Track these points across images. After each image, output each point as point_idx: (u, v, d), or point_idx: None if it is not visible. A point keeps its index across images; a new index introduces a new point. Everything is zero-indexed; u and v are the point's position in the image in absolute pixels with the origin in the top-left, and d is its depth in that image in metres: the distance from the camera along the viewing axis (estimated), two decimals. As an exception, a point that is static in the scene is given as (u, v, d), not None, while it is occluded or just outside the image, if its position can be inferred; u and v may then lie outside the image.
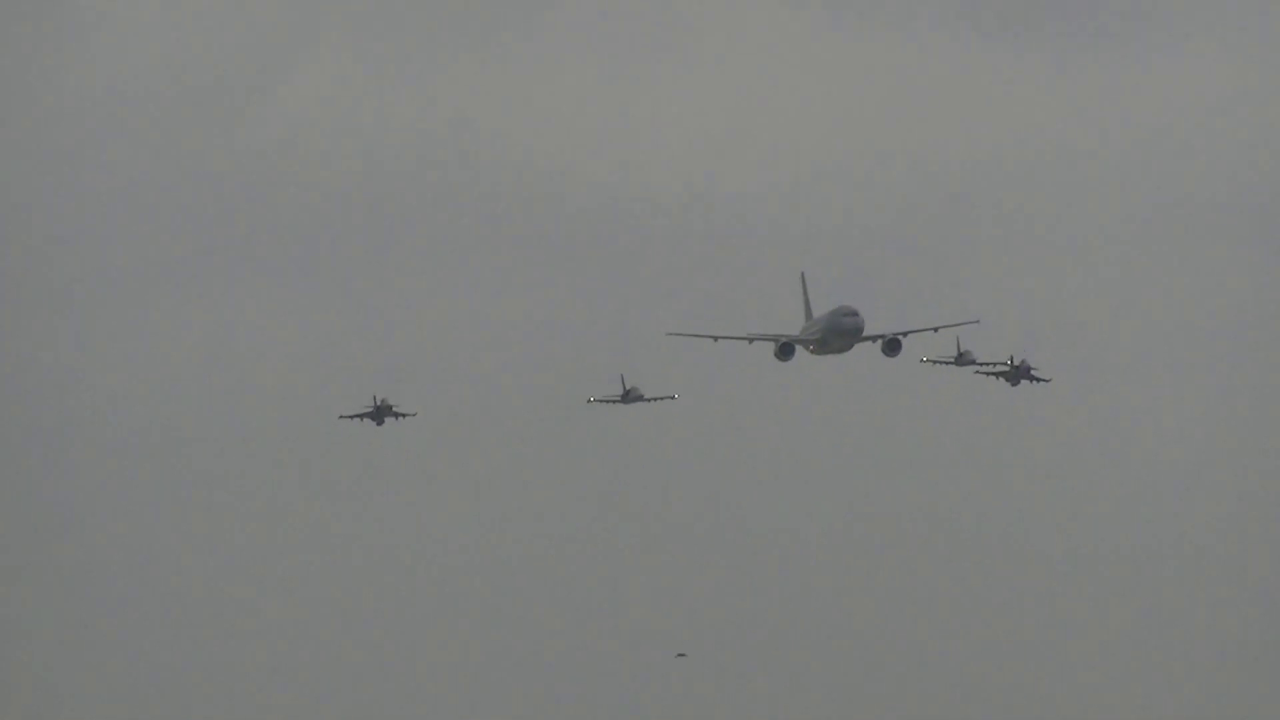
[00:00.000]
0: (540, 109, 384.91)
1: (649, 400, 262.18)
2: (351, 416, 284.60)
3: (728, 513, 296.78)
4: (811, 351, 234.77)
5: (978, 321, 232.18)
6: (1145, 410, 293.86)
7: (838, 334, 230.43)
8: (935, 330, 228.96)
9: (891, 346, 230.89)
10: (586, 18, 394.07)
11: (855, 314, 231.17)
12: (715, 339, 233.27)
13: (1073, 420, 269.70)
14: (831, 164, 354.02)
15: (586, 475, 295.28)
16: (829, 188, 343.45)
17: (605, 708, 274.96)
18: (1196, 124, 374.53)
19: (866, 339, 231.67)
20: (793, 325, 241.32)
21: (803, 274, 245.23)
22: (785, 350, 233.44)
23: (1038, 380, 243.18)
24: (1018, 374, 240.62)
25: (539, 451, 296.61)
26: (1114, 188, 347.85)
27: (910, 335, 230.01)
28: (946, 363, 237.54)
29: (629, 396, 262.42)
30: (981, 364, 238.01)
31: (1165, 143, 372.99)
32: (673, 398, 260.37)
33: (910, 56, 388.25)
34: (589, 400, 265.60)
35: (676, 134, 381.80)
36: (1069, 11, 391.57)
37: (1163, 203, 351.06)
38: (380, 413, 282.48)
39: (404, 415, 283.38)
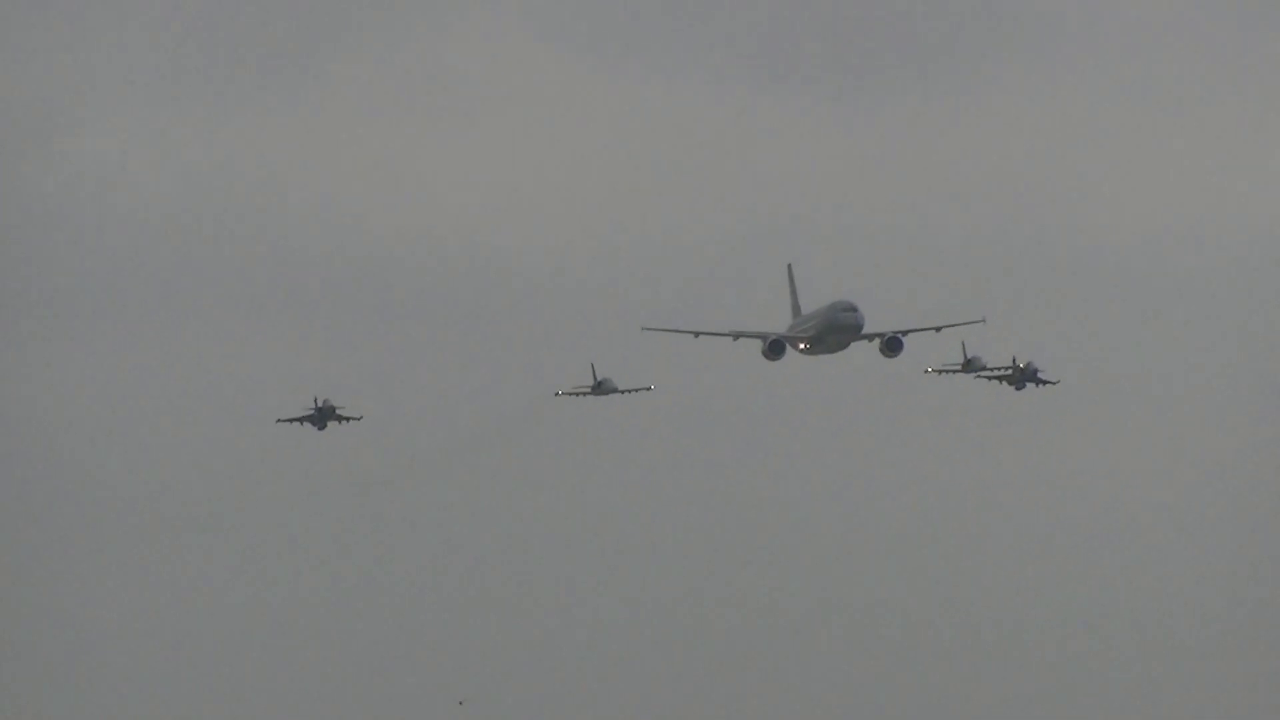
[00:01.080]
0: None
1: (623, 392, 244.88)
2: (291, 420, 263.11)
3: (703, 513, 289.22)
4: (803, 350, 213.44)
5: (983, 320, 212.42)
6: (1155, 413, 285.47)
7: (834, 330, 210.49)
8: (938, 330, 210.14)
9: (892, 346, 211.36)
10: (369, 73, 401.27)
11: (854, 309, 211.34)
12: (696, 335, 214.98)
13: (1080, 425, 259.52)
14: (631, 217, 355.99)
15: (555, 472, 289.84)
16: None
17: (574, 702, 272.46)
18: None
19: (864, 337, 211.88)
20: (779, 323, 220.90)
21: (789, 266, 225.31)
22: (775, 348, 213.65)
23: (1044, 383, 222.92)
24: (1023, 377, 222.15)
25: (501, 449, 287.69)
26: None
27: (912, 336, 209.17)
28: (953, 370, 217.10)
29: (601, 388, 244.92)
30: (991, 369, 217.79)
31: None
32: (649, 389, 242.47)
33: (693, 107, 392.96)
34: (557, 393, 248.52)
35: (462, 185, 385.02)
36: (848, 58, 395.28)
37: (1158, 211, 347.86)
38: (323, 415, 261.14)
39: (349, 419, 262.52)
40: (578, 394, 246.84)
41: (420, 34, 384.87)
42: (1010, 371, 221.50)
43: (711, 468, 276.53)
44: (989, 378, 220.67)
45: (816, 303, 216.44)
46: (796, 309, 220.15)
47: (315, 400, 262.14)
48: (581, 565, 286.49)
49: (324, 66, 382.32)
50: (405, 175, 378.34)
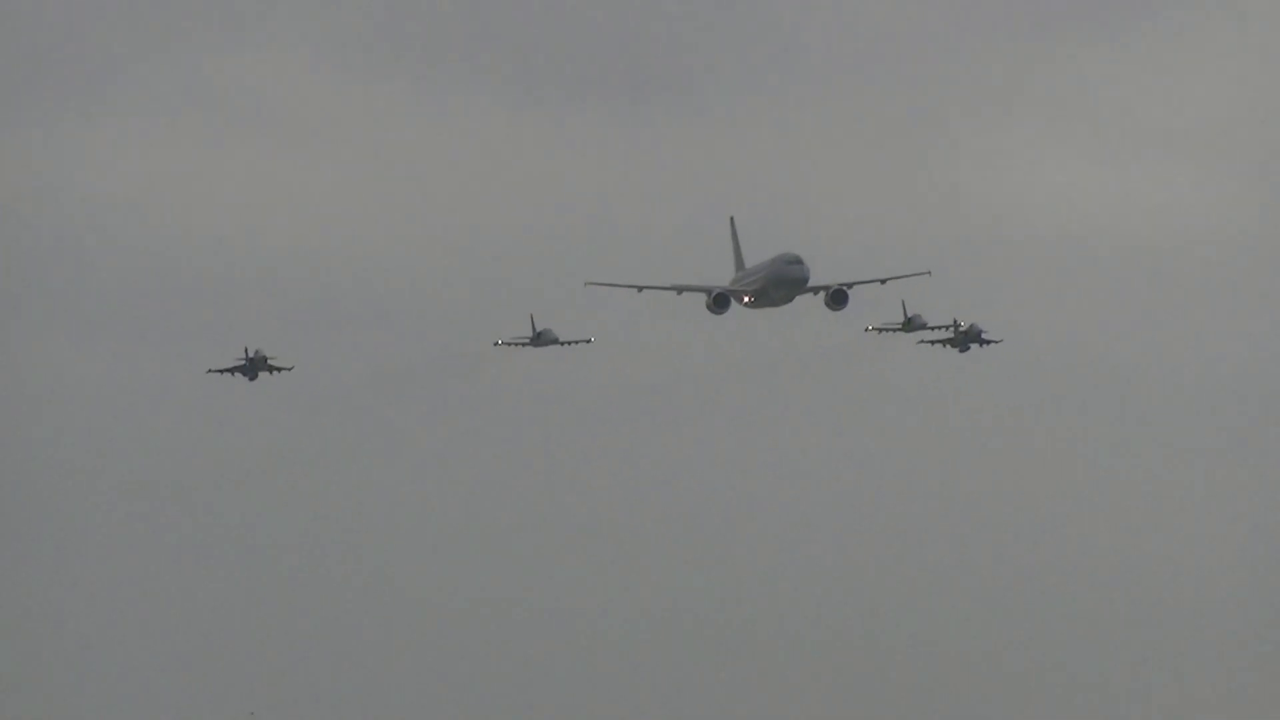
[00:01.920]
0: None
1: (563, 344, 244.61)
2: (222, 371, 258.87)
3: (638, 466, 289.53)
4: (747, 304, 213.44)
5: (929, 273, 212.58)
6: (1104, 376, 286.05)
7: (780, 284, 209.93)
8: (883, 282, 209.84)
9: (837, 299, 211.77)
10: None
11: (799, 261, 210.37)
12: (639, 289, 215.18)
13: (1025, 386, 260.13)
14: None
15: (493, 423, 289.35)
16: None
17: (506, 671, 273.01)
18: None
19: (810, 290, 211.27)
20: (723, 276, 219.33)
21: (731, 219, 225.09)
22: (720, 301, 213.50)
23: (988, 343, 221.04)
24: (966, 339, 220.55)
25: (438, 399, 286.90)
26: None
27: (857, 288, 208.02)
28: (893, 329, 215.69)
29: (540, 339, 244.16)
30: (932, 327, 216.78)
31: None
32: (589, 341, 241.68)
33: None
34: (496, 343, 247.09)
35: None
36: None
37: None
38: (254, 366, 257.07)
39: (281, 369, 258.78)
40: (516, 344, 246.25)
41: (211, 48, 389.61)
42: (953, 334, 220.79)
43: (646, 420, 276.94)
44: (931, 341, 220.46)
45: (760, 256, 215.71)
46: (740, 263, 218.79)
47: (246, 351, 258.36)
48: (517, 516, 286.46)
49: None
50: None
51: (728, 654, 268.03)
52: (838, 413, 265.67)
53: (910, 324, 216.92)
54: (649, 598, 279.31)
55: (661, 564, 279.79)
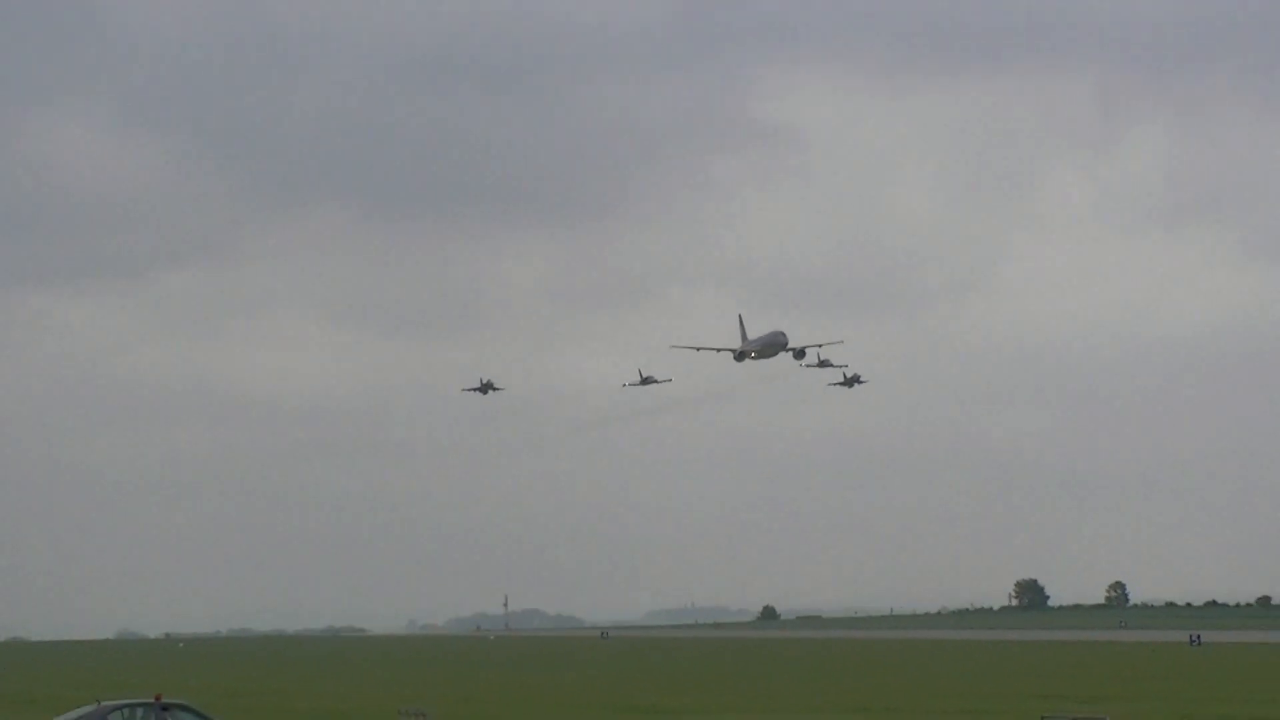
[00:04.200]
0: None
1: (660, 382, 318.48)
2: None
3: None
4: (753, 357, 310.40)
5: (842, 341, 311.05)
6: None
7: (772, 347, 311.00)
8: (820, 346, 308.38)
9: (798, 354, 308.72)
10: None
11: (784, 334, 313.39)
12: (698, 349, 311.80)
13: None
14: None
15: None
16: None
17: None
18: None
19: (789, 350, 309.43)
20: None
21: (740, 316, 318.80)
22: (740, 356, 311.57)
23: (860, 383, 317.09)
24: (852, 380, 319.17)
25: None
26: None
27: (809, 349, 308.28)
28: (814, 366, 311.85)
29: (646, 382, 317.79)
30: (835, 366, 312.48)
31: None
32: (669, 380, 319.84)
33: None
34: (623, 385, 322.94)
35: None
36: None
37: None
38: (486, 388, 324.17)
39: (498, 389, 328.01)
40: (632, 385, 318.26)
41: None
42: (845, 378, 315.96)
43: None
44: (833, 383, 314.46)
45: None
46: (744, 336, 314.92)
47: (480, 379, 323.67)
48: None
49: None
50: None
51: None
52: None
53: (823, 364, 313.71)
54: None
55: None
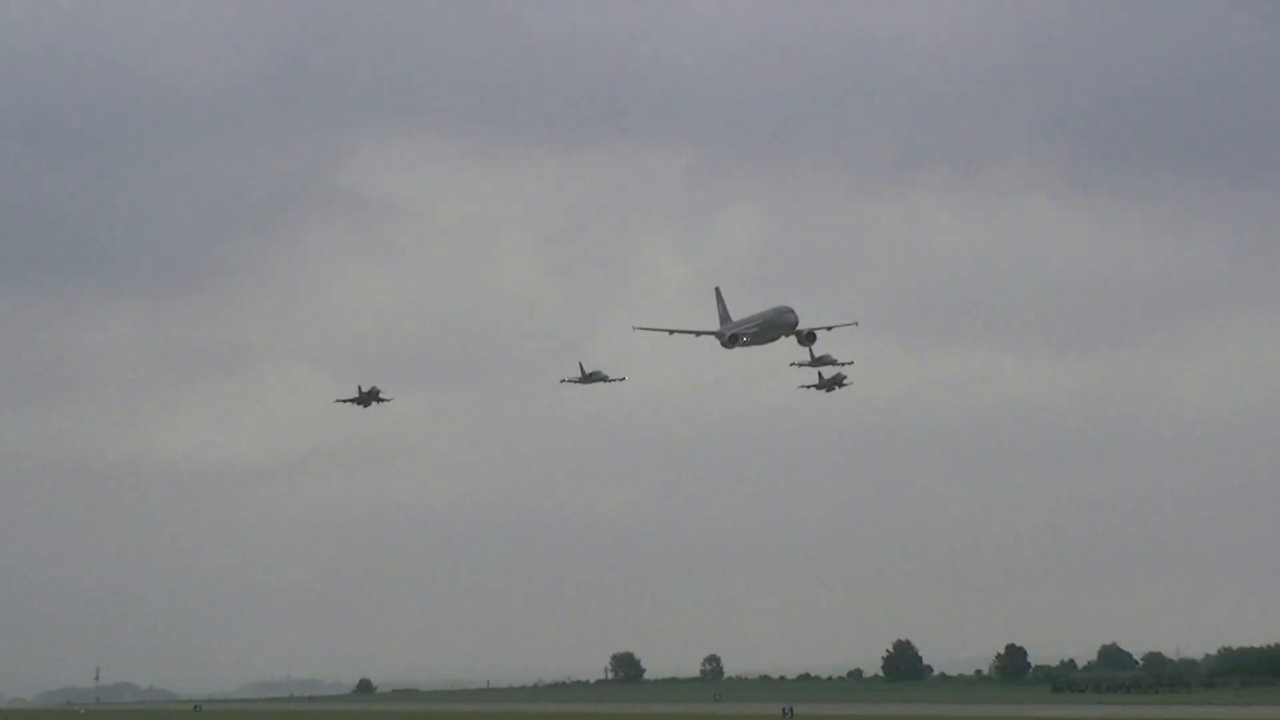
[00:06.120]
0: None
1: (610, 380, 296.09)
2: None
3: None
4: (745, 343, 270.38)
5: (856, 324, 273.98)
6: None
7: (774, 327, 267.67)
8: (829, 329, 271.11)
9: (809, 338, 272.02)
10: None
11: (791, 310, 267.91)
12: (670, 332, 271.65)
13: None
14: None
15: None
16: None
17: None
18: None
19: (796, 334, 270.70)
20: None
21: (718, 289, 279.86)
22: (732, 341, 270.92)
23: (842, 386, 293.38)
24: (832, 385, 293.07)
25: None
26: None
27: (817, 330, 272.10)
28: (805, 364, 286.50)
29: (591, 378, 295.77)
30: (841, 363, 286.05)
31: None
32: (623, 379, 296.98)
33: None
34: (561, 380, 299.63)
35: None
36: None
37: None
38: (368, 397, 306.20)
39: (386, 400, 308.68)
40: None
41: None
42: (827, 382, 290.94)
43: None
44: (804, 385, 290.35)
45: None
46: (725, 317, 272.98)
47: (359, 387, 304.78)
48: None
49: None
50: None
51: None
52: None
53: (820, 360, 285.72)
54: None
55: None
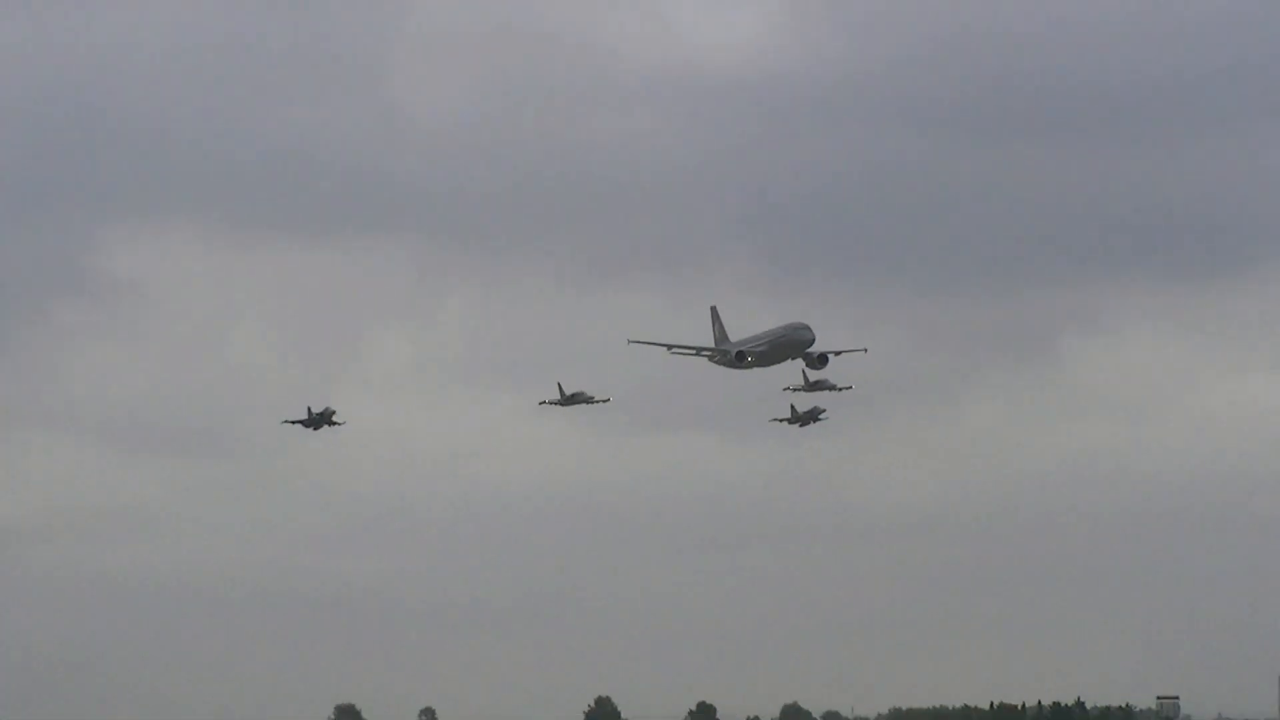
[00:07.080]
0: None
1: (594, 402, 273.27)
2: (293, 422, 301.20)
3: None
4: (749, 364, 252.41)
5: (865, 350, 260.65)
6: None
7: (787, 346, 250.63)
8: (837, 354, 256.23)
9: (821, 360, 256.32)
10: None
11: (807, 327, 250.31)
12: (670, 348, 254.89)
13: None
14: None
15: None
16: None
17: None
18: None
19: (805, 355, 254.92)
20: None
21: (713, 308, 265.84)
22: (740, 358, 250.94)
23: (819, 420, 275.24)
24: (807, 418, 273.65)
25: None
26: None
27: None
28: (798, 388, 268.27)
29: (573, 400, 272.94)
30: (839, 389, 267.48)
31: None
32: (607, 400, 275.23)
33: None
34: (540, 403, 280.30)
35: None
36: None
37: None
38: (319, 419, 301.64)
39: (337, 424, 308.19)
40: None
41: None
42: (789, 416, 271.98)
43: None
44: (776, 419, 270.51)
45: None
46: (722, 337, 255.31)
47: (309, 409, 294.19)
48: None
49: None
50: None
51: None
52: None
53: (815, 385, 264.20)
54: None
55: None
